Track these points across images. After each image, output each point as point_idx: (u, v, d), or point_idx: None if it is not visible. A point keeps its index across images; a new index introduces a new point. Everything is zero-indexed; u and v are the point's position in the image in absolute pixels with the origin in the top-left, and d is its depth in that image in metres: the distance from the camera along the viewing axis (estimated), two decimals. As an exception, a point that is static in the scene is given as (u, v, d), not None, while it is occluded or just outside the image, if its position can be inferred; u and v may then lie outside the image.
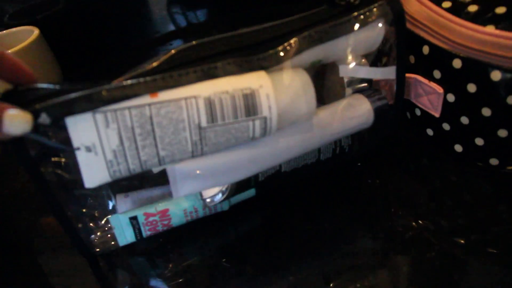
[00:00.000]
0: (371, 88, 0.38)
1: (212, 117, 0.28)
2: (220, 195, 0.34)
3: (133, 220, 0.35)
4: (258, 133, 0.30)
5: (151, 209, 0.35)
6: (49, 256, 0.37)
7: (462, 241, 0.33)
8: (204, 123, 0.28)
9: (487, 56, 0.33)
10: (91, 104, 0.26)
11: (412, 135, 0.43)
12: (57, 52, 0.57)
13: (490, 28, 0.33)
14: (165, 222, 0.36)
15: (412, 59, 0.39)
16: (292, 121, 0.32)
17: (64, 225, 0.32)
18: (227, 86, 0.28)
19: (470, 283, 0.30)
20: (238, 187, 0.34)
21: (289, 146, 0.33)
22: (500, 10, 0.33)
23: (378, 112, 0.37)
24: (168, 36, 0.64)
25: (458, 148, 0.39)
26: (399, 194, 0.38)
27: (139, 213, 0.35)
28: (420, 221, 0.35)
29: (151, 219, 0.35)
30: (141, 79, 0.27)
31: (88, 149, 0.27)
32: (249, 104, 0.29)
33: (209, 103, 0.28)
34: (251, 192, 0.37)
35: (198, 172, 0.31)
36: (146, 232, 0.36)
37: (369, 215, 0.36)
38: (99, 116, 0.27)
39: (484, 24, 0.33)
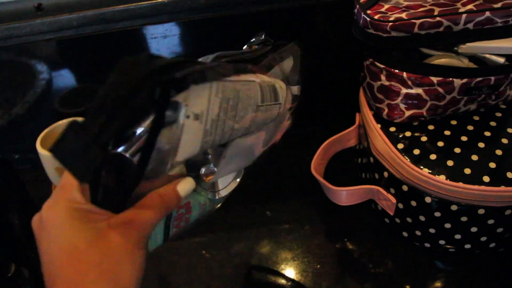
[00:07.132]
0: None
1: (263, 99, 0.37)
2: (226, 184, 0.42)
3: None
4: (275, 115, 0.39)
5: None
6: None
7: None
8: (259, 102, 0.36)
9: (423, 187, 0.52)
10: (217, 76, 0.31)
11: (375, 221, 0.63)
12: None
13: (425, 171, 0.51)
14: (188, 216, 0.39)
15: (377, 175, 0.58)
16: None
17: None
18: (263, 78, 0.38)
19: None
20: None
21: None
22: (432, 157, 0.52)
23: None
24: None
25: (404, 234, 0.58)
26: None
27: None
28: None
29: (180, 211, 0.38)
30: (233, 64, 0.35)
31: (196, 117, 0.30)
32: (274, 94, 0.39)
33: (261, 88, 0.36)
34: None
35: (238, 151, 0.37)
36: (172, 230, 0.38)
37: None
38: (214, 84, 0.31)
39: (421, 166, 0.52)
